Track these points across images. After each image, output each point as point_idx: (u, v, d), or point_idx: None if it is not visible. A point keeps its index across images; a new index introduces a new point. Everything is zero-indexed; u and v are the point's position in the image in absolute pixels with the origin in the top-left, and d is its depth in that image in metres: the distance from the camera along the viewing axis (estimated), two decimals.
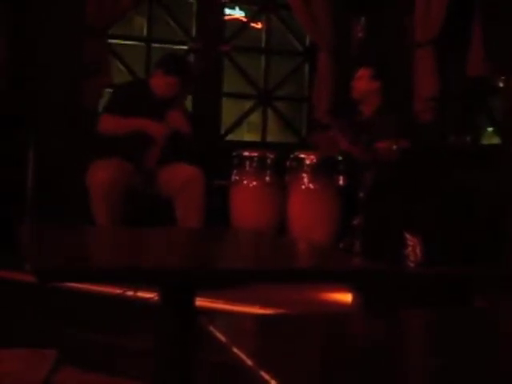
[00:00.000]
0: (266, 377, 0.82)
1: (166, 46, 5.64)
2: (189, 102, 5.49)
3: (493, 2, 4.75)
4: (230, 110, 5.95)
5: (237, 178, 4.45)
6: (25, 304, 3.62)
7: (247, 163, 4.41)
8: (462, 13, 4.87)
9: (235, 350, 0.92)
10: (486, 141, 5.59)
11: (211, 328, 1.02)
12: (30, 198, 4.49)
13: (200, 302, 2.00)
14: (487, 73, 4.76)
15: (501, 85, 5.04)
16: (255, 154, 4.43)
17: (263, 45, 5.80)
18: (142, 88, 4.58)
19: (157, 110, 4.41)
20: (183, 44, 5.53)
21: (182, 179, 4.32)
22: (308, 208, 4.20)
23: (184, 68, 4.63)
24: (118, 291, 3.36)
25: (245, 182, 4.41)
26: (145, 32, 5.51)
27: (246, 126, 6.24)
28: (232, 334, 1.08)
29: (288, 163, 4.34)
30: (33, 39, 4.86)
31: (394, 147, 4.17)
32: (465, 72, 4.79)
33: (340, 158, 4.27)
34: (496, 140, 5.47)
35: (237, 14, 6.10)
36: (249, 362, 0.87)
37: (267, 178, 4.40)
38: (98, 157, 4.40)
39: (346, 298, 3.39)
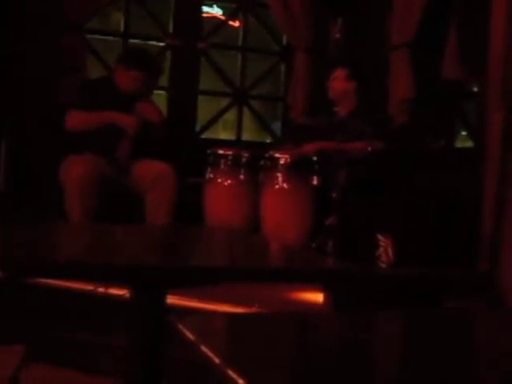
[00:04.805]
0: (234, 375, 0.82)
1: (143, 41, 5.62)
2: (164, 99, 5.47)
3: (468, 5, 4.78)
4: (205, 108, 5.94)
5: (211, 175, 4.44)
6: None
7: (222, 161, 4.40)
8: (438, 16, 4.91)
9: (203, 348, 0.92)
10: (459, 144, 5.63)
11: (180, 326, 1.02)
12: (2, 193, 4.45)
13: (172, 299, 1.99)
14: (462, 76, 4.80)
15: (475, 88, 5.09)
16: (230, 153, 4.43)
17: (240, 43, 5.80)
18: (107, 84, 4.57)
19: (123, 105, 4.42)
20: (160, 40, 5.51)
21: (152, 175, 4.33)
22: (281, 207, 4.20)
23: (146, 61, 4.60)
24: (89, 287, 3.34)
25: (219, 179, 4.41)
26: (122, 27, 5.48)
27: (221, 124, 6.24)
28: (202, 332, 1.08)
29: (262, 162, 4.34)
30: (8, 34, 4.81)
31: (369, 149, 4.19)
32: (440, 75, 4.82)
33: (314, 157, 4.28)
34: (469, 143, 5.52)
35: (214, 11, 6.09)
36: (216, 361, 0.87)
37: (241, 177, 4.40)
38: (71, 152, 4.38)
39: (318, 297, 3.40)
